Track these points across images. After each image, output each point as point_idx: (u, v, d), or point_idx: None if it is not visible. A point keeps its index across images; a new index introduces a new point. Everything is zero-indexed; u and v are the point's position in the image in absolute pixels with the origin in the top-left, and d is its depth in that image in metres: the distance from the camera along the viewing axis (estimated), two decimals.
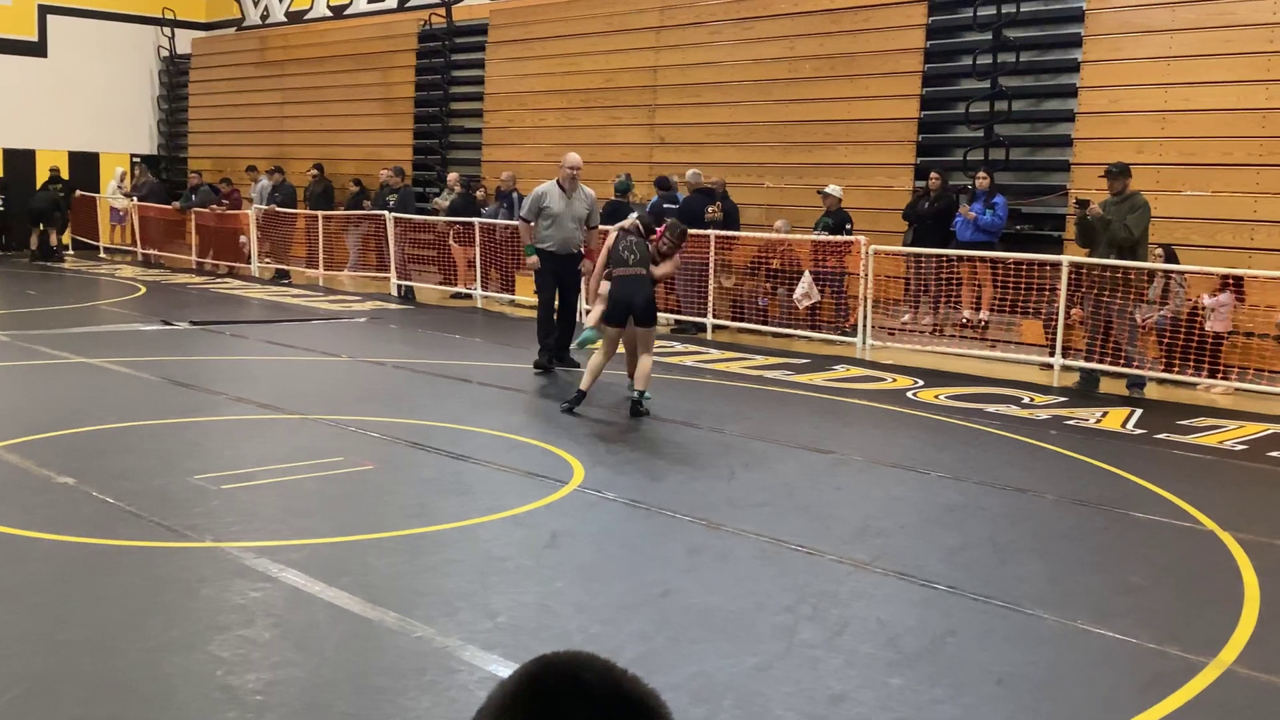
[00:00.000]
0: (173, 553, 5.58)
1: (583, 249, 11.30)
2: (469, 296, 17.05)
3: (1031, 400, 10.38)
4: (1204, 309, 11.16)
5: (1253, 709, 4.30)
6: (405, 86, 21.45)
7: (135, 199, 22.97)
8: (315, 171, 20.45)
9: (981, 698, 4.24)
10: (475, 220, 16.71)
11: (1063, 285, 11.44)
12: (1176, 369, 11.17)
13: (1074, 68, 13.58)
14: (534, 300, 11.80)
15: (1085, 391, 10.92)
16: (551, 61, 18.86)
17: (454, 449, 7.72)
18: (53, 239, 22.34)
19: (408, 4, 21.88)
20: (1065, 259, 11.62)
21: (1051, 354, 11.68)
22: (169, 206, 22.35)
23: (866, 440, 8.86)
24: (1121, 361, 11.01)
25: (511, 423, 8.90)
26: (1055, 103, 13.95)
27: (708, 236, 14.21)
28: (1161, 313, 11.39)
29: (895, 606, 5.15)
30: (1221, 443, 8.85)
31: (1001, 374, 11.73)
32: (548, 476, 7.09)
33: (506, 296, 16.75)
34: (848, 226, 14.12)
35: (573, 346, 11.16)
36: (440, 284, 17.89)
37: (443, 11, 20.72)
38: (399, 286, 17.86)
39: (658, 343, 10.32)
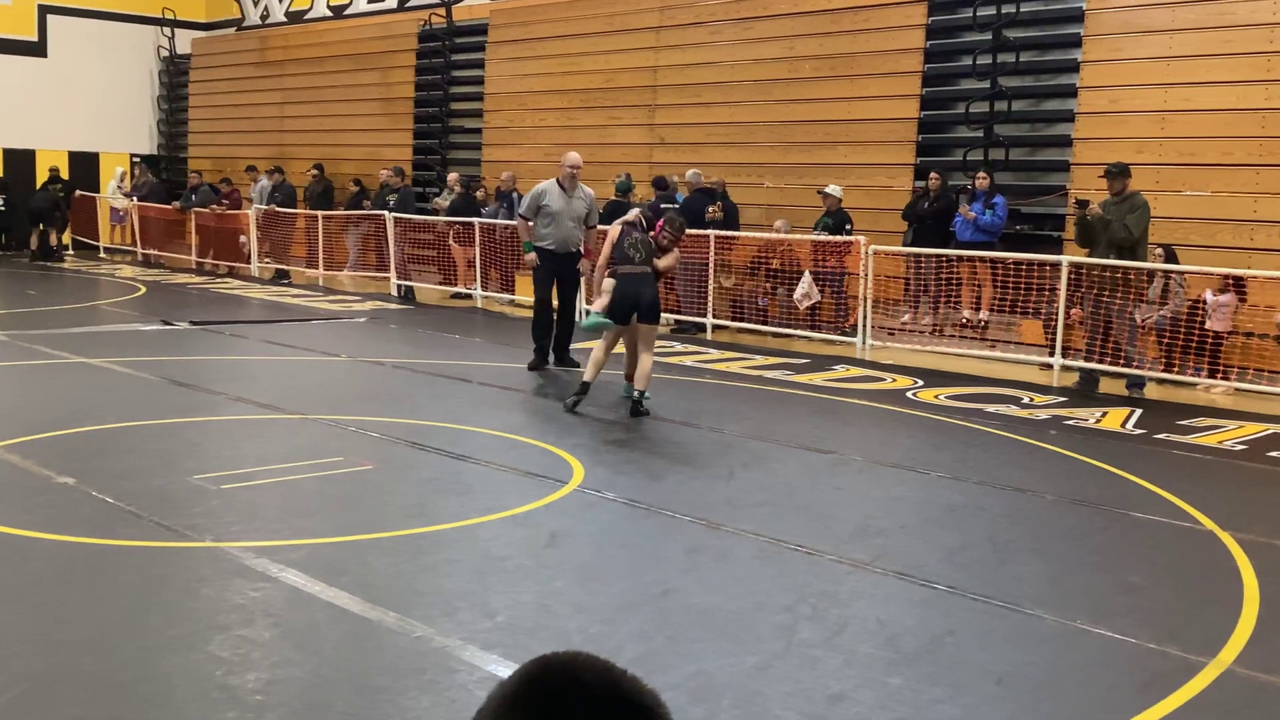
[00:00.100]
0: (172, 552, 5.58)
1: (581, 248, 11.30)
2: (469, 296, 17.05)
3: (1031, 400, 10.38)
4: (1203, 305, 11.15)
5: (1252, 709, 4.30)
6: (405, 86, 21.46)
7: (135, 199, 22.98)
8: (315, 171, 20.45)
9: (981, 697, 4.24)
10: (475, 220, 16.71)
11: (1062, 285, 11.45)
12: (1176, 369, 11.17)
13: (1074, 68, 13.58)
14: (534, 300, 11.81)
15: (1085, 391, 10.92)
16: (551, 61, 18.86)
17: (454, 449, 7.72)
18: (53, 239, 22.35)
19: (408, 4, 21.88)
20: (1065, 259, 11.62)
21: (1051, 354, 11.68)
22: (169, 206, 22.36)
23: (866, 440, 8.86)
24: (1121, 361, 11.01)
25: (511, 422, 8.90)
26: (1055, 103, 13.95)
27: (708, 236, 14.22)
28: (1161, 313, 11.39)
29: (895, 606, 5.15)
30: (1221, 443, 8.85)
31: (1001, 374, 11.73)
32: (547, 476, 7.10)
33: (506, 296, 16.75)
34: (847, 227, 14.12)
35: (583, 325, 11.07)
36: (440, 284, 17.89)
37: (443, 11, 20.73)
38: (399, 286, 17.87)
39: (657, 343, 10.31)
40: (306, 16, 23.89)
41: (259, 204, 20.36)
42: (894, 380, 11.27)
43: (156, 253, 22.45)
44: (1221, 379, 11.03)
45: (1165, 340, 11.36)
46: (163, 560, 5.49)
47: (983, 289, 13.24)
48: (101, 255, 23.30)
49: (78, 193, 23.41)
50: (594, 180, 16.50)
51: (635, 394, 9.16)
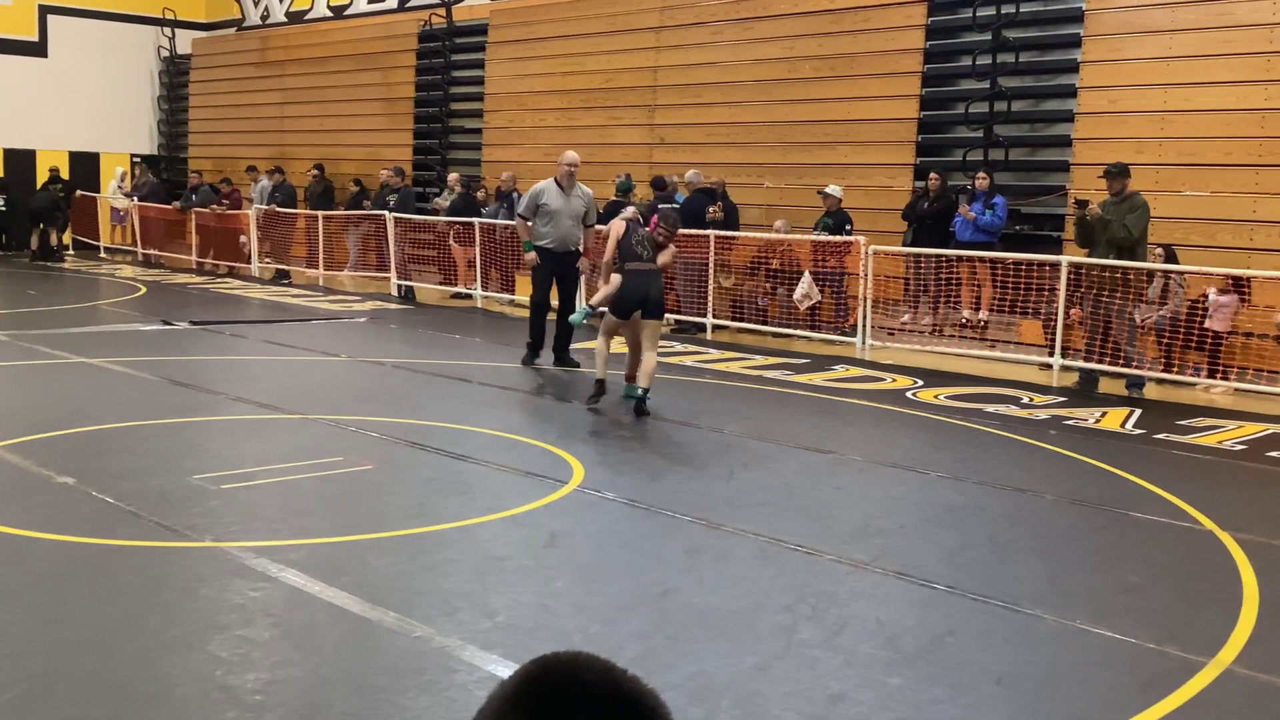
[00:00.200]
0: (172, 552, 5.59)
1: (580, 247, 11.31)
2: (469, 296, 17.05)
3: (1031, 400, 10.38)
4: (1203, 302, 11.15)
5: (1251, 709, 4.30)
6: (405, 86, 21.46)
7: (135, 199, 22.98)
8: (316, 171, 20.46)
9: (981, 697, 4.24)
10: (475, 220, 16.71)
11: (1062, 285, 11.45)
12: (1176, 369, 11.17)
13: (1073, 68, 13.58)
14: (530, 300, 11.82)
15: (1084, 391, 10.92)
16: (552, 62, 18.86)
17: (453, 449, 7.72)
18: (53, 239, 22.35)
19: (408, 4, 21.89)
20: (1064, 259, 11.63)
21: (1051, 354, 11.68)
22: (169, 206, 22.36)
23: (866, 440, 8.86)
24: (1121, 361, 11.01)
25: (511, 422, 8.90)
26: (1055, 103, 13.95)
27: (708, 236, 14.22)
28: (1161, 313, 11.39)
29: (894, 606, 5.15)
30: (1221, 443, 8.85)
31: (1001, 374, 11.74)
32: (547, 476, 7.10)
33: (506, 296, 16.74)
34: (848, 227, 14.12)
35: (570, 320, 11.07)
36: (440, 284, 17.89)
37: (443, 11, 20.73)
38: (399, 286, 17.87)
39: (659, 343, 10.31)
40: (307, 17, 23.89)
41: (259, 204, 20.36)
42: (894, 380, 11.27)
43: (157, 253, 22.45)
44: (1221, 379, 11.03)
45: (1165, 340, 11.36)
46: (162, 560, 5.49)
47: (982, 289, 13.24)
48: (102, 255, 23.30)
49: (78, 193, 23.42)
50: (594, 180, 16.52)
51: (639, 392, 9.16)
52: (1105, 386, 11.04)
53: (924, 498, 7.19)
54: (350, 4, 23.12)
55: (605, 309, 9.51)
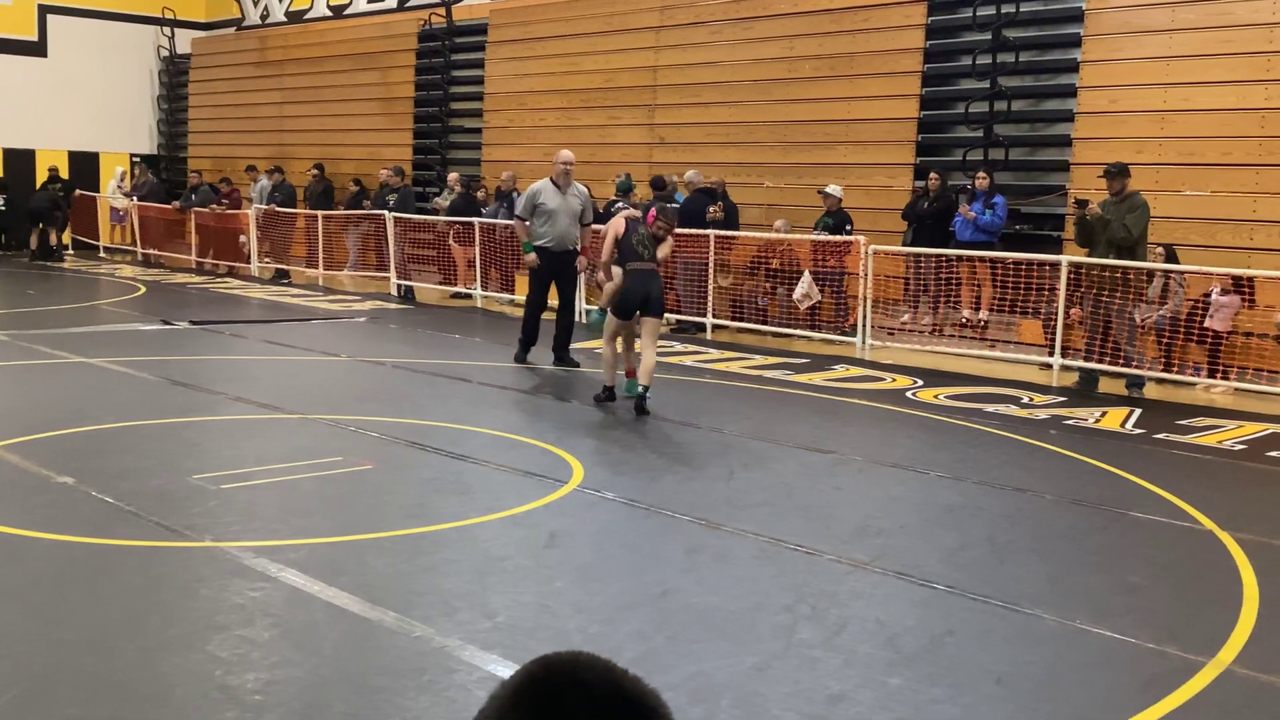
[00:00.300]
0: (172, 552, 5.58)
1: (578, 246, 11.33)
2: (469, 296, 17.05)
3: (1031, 400, 10.38)
4: (1203, 301, 11.15)
5: (1251, 709, 4.30)
6: (405, 86, 21.46)
7: (135, 199, 22.98)
8: (316, 171, 20.45)
9: (980, 697, 4.24)
10: (475, 220, 16.71)
11: (1062, 285, 11.45)
12: (1176, 369, 11.17)
13: (1073, 68, 13.58)
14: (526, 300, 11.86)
15: (1084, 391, 10.92)
16: (551, 61, 18.86)
17: (453, 449, 7.72)
18: (52, 239, 22.35)
19: (407, 4, 21.88)
20: (1064, 259, 11.62)
21: (1051, 354, 11.68)
22: (169, 206, 22.36)
23: (866, 440, 8.86)
24: (1121, 361, 11.01)
25: (511, 422, 8.90)
26: (1055, 103, 13.95)
27: (708, 236, 14.22)
28: (1160, 312, 11.39)
29: (894, 606, 5.15)
30: (1221, 442, 8.85)
31: (1001, 374, 11.73)
32: (547, 476, 7.10)
33: (506, 296, 16.74)
34: (848, 227, 14.12)
35: (588, 325, 11.12)
36: (440, 284, 17.89)
37: (442, 11, 20.73)
38: (399, 286, 17.87)
39: (659, 343, 10.31)
40: (306, 16, 23.89)
41: (259, 204, 20.36)
42: (894, 380, 11.27)
43: (156, 252, 22.45)
44: (1221, 379, 11.03)
45: (1165, 340, 11.36)
46: (162, 560, 5.49)
47: (982, 289, 13.24)
48: (101, 255, 23.30)
49: (77, 192, 23.41)
50: (594, 180, 16.53)
51: (640, 389, 9.15)
52: (1105, 386, 11.04)
53: (924, 498, 7.19)
54: (350, 4, 23.12)
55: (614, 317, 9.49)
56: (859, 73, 15.18)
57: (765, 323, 14.32)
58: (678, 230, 13.84)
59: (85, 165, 24.72)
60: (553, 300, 11.49)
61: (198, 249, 21.56)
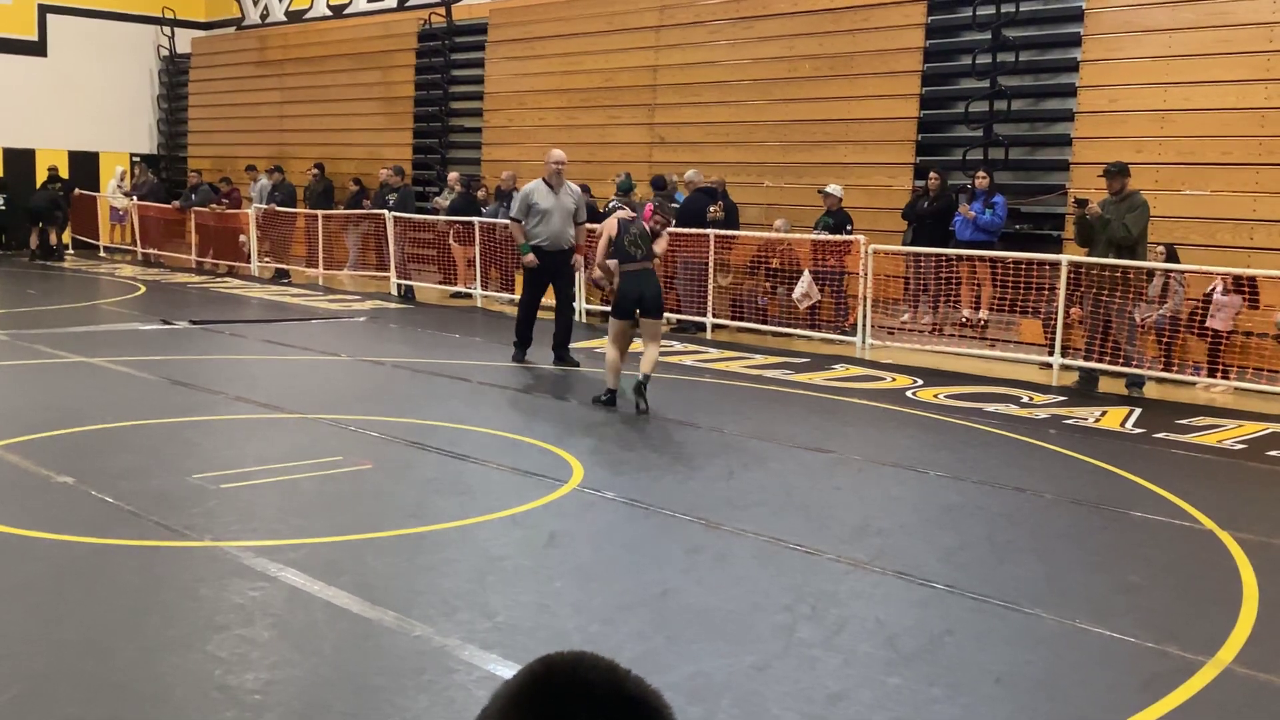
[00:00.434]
0: (171, 552, 5.59)
1: (573, 245, 11.39)
2: (469, 296, 17.05)
3: (1030, 399, 10.38)
4: (1205, 300, 11.15)
5: (1251, 708, 4.30)
6: (405, 86, 21.46)
7: (135, 198, 22.98)
8: (316, 171, 20.45)
9: (979, 697, 4.24)
10: (475, 220, 16.71)
11: (1062, 284, 11.45)
12: (1176, 368, 11.17)
13: (1073, 67, 13.58)
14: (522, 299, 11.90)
15: (1084, 391, 10.92)
16: (551, 61, 18.86)
17: (453, 448, 7.72)
18: (52, 238, 22.35)
19: (407, 3, 21.88)
20: (1064, 258, 11.62)
21: (1051, 353, 11.68)
22: (169, 206, 22.36)
23: (865, 440, 8.86)
24: (1120, 361, 11.01)
25: (511, 422, 8.90)
26: (1054, 102, 13.95)
27: (707, 236, 14.22)
28: (1161, 312, 11.39)
29: (893, 606, 5.15)
30: (1220, 442, 8.85)
31: (1001, 373, 11.73)
32: (547, 476, 7.10)
33: (506, 296, 16.73)
34: (848, 227, 14.12)
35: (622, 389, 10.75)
36: (440, 283, 17.89)
37: (442, 11, 20.73)
38: (399, 286, 17.87)
39: (660, 343, 10.32)
40: (306, 16, 23.89)
41: (259, 203, 20.36)
42: (893, 380, 11.27)
43: (156, 252, 22.45)
44: (1221, 378, 11.02)
45: (1165, 339, 11.36)
46: (162, 560, 5.49)
47: (982, 288, 13.24)
48: (101, 254, 23.30)
49: (77, 192, 23.41)
50: (594, 180, 16.55)
51: (640, 377, 9.19)
52: (1105, 386, 11.04)
53: (923, 497, 7.19)
54: (350, 3, 23.12)
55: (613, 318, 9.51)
56: (859, 72, 15.17)
57: (765, 322, 14.32)
58: (678, 230, 13.91)
59: (85, 165, 24.72)
60: (550, 300, 11.51)
61: (198, 248, 21.56)
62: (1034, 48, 14.01)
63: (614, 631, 4.72)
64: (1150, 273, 11.25)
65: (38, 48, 24.43)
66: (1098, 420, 9.57)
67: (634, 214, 9.67)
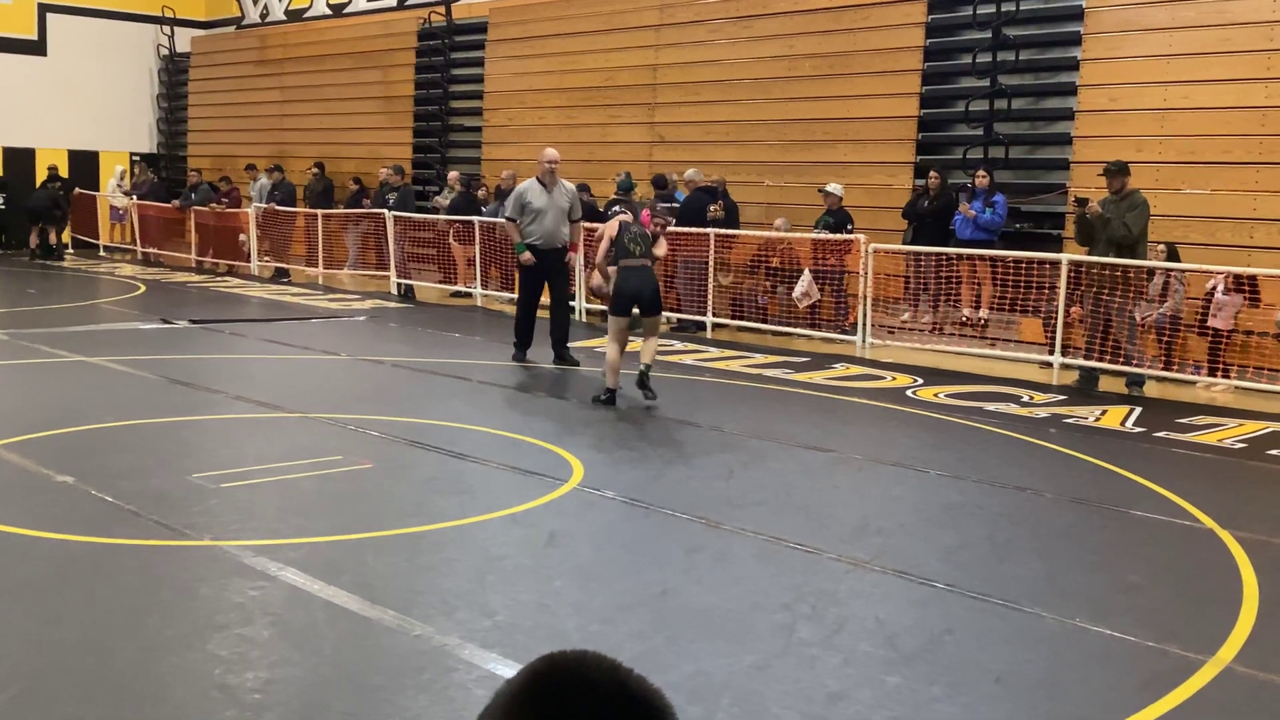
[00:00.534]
0: (171, 551, 5.58)
1: (568, 243, 11.44)
2: (469, 295, 17.04)
3: (1031, 399, 10.37)
4: (1209, 297, 11.14)
5: (1251, 707, 4.30)
6: (405, 85, 21.45)
7: (135, 197, 22.97)
8: (316, 170, 20.45)
9: (979, 696, 4.24)
10: (475, 219, 16.70)
11: (1062, 283, 11.44)
12: (1176, 367, 11.17)
13: (1073, 66, 13.57)
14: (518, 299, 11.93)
15: (1084, 390, 10.91)
16: (551, 60, 18.86)
17: (453, 448, 7.72)
18: (52, 237, 22.34)
19: (407, 2, 21.87)
20: (1065, 257, 11.62)
21: (1051, 352, 11.68)
22: (169, 205, 22.35)
23: (865, 439, 8.85)
24: (1121, 360, 11.00)
25: (511, 421, 8.90)
26: (1055, 101, 13.94)
27: (708, 235, 14.21)
28: (1161, 311, 11.39)
29: (893, 605, 5.15)
30: (1221, 441, 8.84)
31: (1001, 372, 11.73)
32: (547, 475, 7.09)
33: (506, 295, 16.71)
34: (849, 226, 14.11)
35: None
36: (440, 283, 17.88)
37: (442, 10, 20.72)
38: (399, 285, 17.86)
39: (660, 342, 10.33)
40: (306, 15, 23.88)
41: (258, 202, 20.35)
42: (894, 379, 11.27)
43: (156, 251, 22.44)
44: (1222, 377, 11.02)
45: (1165, 338, 11.36)
46: (161, 559, 5.49)
47: (982, 287, 13.24)
48: (101, 254, 23.30)
49: (77, 191, 23.41)
50: (594, 179, 16.55)
51: (642, 367, 9.33)
52: (1105, 385, 11.03)
53: (923, 496, 7.18)
54: (349, 2, 23.11)
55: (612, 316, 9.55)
56: (859, 71, 15.17)
57: (765, 321, 14.32)
58: (678, 229, 13.91)
59: (85, 164, 24.71)
60: (547, 299, 11.55)
61: (197, 248, 21.55)
62: (1034, 46, 14.01)
63: (614, 631, 4.72)
64: (1150, 272, 11.24)
65: (38, 47, 24.42)
66: (1098, 419, 9.56)
67: (633, 217, 9.68)
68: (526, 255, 11.30)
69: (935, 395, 10.43)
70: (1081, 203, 11.05)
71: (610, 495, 6.74)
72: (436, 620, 4.73)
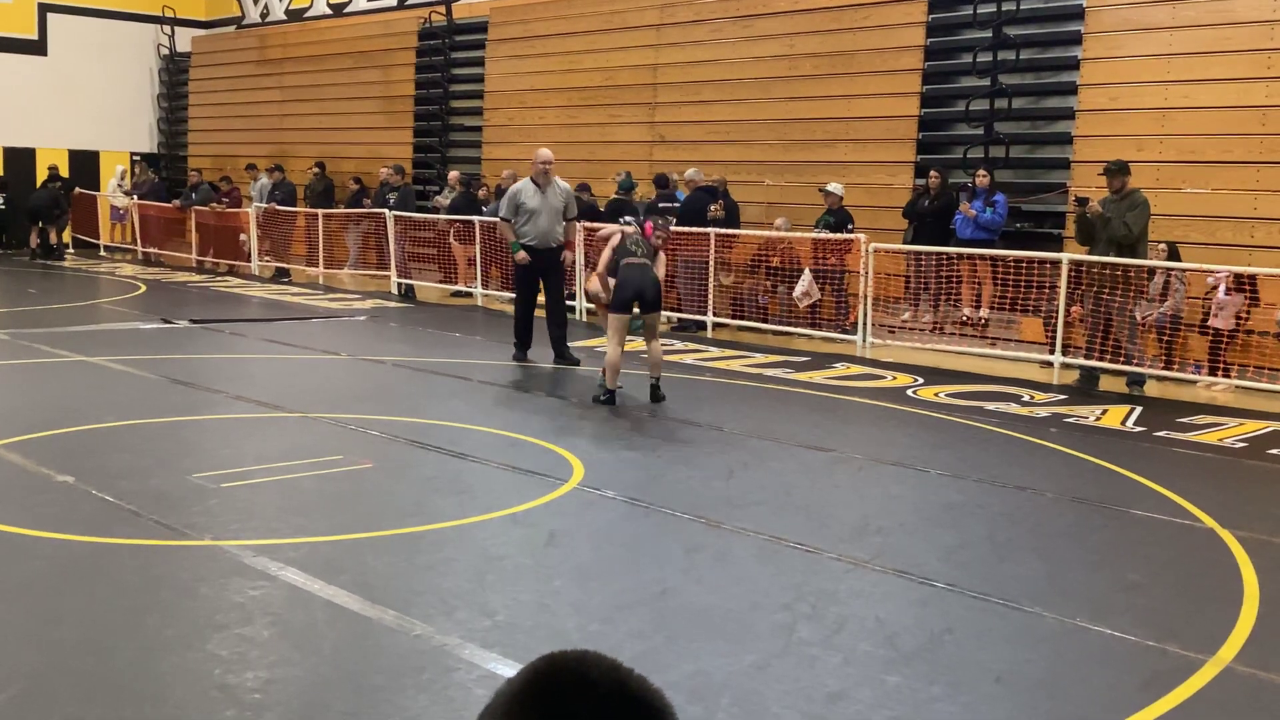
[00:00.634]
0: (171, 551, 5.58)
1: (563, 242, 11.49)
2: (469, 295, 17.04)
3: (1031, 398, 10.37)
4: (1211, 296, 11.14)
5: (1251, 707, 4.30)
6: (405, 84, 21.45)
7: (135, 197, 22.97)
8: (317, 169, 20.45)
9: (980, 696, 4.24)
10: (475, 219, 16.70)
11: (1062, 283, 11.44)
12: (1176, 367, 11.16)
13: (1074, 65, 13.56)
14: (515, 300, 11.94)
15: (1085, 389, 10.91)
16: (552, 59, 18.85)
17: (453, 447, 7.72)
18: (52, 237, 22.34)
19: (408, 2, 21.87)
20: (1065, 256, 11.61)
21: (1051, 352, 11.67)
22: (169, 205, 22.36)
23: (866, 438, 8.85)
24: (1121, 359, 11.00)
25: (511, 421, 8.89)
26: (1055, 100, 13.94)
27: (708, 234, 14.21)
28: (1161, 310, 11.38)
29: (893, 605, 5.15)
30: (1221, 440, 8.84)
31: (1001, 372, 11.73)
32: (547, 475, 7.09)
33: (507, 295, 16.70)
34: (849, 225, 14.11)
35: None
36: (440, 282, 17.88)
37: (443, 9, 20.72)
38: (399, 285, 17.86)
39: (661, 342, 10.33)
40: (306, 14, 23.88)
41: (259, 202, 20.35)
42: (894, 378, 11.27)
43: (157, 251, 22.44)
44: (1222, 376, 11.01)
45: (1165, 338, 11.36)
46: (161, 559, 5.49)
47: (983, 287, 13.23)
48: (102, 254, 23.30)
49: (77, 191, 23.41)
50: (594, 178, 16.55)
51: (652, 381, 9.50)
52: (1106, 384, 11.03)
53: (923, 496, 7.18)
54: (350, 2, 23.11)
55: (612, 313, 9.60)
56: (859, 70, 15.16)
57: (766, 321, 14.32)
58: (679, 229, 13.90)
59: (85, 164, 24.71)
60: (543, 298, 11.58)
61: (198, 248, 21.55)
62: (1035, 45, 14.00)
63: (614, 630, 4.72)
64: (1151, 271, 11.24)
65: (38, 47, 24.43)
66: (1098, 419, 9.56)
67: (637, 229, 9.77)
68: (521, 255, 11.36)
69: (936, 395, 10.42)
70: (1082, 202, 11.04)
71: (610, 495, 6.74)
72: (436, 620, 4.73)
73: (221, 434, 8.26)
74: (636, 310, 9.47)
